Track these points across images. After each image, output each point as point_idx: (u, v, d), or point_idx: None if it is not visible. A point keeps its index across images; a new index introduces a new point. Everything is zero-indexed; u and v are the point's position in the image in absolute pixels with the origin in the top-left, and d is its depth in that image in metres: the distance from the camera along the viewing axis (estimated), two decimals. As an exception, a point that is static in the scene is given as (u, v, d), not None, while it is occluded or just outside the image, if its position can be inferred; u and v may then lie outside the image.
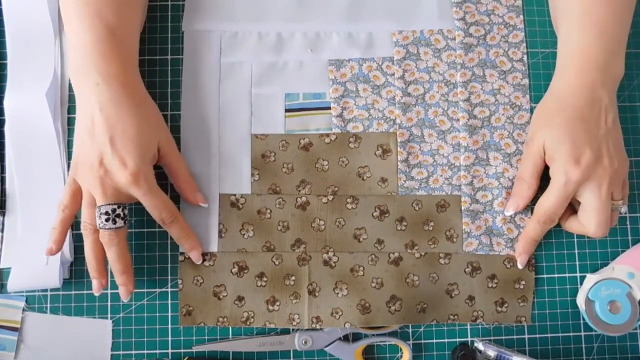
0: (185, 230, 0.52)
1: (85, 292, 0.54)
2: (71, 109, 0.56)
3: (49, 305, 0.54)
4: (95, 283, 0.51)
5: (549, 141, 0.52)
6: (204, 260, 0.54)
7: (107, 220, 0.49)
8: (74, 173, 0.51)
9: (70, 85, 0.56)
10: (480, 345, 0.53)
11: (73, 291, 0.54)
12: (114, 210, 0.49)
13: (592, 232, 0.52)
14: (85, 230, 0.50)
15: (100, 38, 0.49)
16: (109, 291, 0.54)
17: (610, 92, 0.52)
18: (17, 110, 0.54)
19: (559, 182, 0.51)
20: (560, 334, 0.55)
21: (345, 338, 0.54)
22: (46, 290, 0.54)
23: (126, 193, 0.50)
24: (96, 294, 0.51)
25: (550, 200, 0.51)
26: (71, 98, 0.56)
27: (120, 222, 0.50)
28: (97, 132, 0.49)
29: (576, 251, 0.56)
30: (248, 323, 0.54)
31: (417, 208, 0.56)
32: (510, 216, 0.56)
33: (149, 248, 0.55)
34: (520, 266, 0.55)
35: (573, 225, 0.54)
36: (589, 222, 0.51)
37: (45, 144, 0.54)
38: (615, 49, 0.52)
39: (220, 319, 0.54)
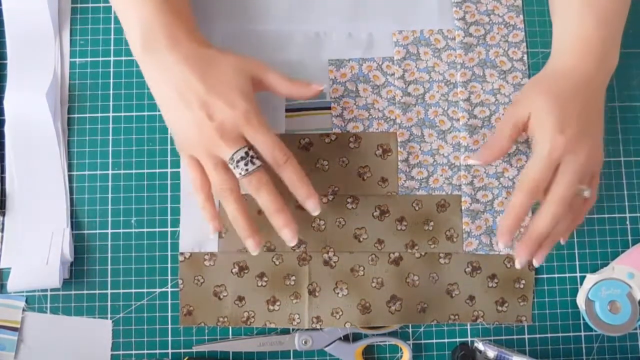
0: (300, 174, 0.49)
1: (85, 292, 0.54)
2: (71, 109, 0.56)
3: (49, 305, 0.54)
4: (251, 243, 0.49)
5: (535, 111, 0.50)
6: (204, 260, 0.54)
7: (246, 163, 0.47)
8: (186, 149, 0.50)
9: (70, 85, 0.56)
10: (480, 345, 0.53)
11: (73, 291, 0.54)
12: (247, 153, 0.47)
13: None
14: (224, 193, 0.48)
15: (161, 7, 0.49)
16: (109, 291, 0.54)
17: (602, 83, 0.52)
18: (17, 110, 0.54)
19: (543, 149, 0.49)
20: (560, 334, 0.55)
21: (345, 338, 0.54)
22: (46, 290, 0.54)
23: (243, 134, 0.48)
24: (255, 253, 0.49)
25: (535, 168, 0.49)
26: (71, 98, 0.56)
27: (258, 161, 0.48)
28: (189, 91, 0.48)
29: (576, 251, 0.56)
30: (248, 323, 0.54)
31: (417, 208, 0.56)
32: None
33: (149, 248, 0.55)
34: (519, 265, 0.51)
35: None
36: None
37: (45, 144, 0.54)
38: (612, 38, 0.52)
39: (221, 319, 0.54)
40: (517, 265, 0.50)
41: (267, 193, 0.48)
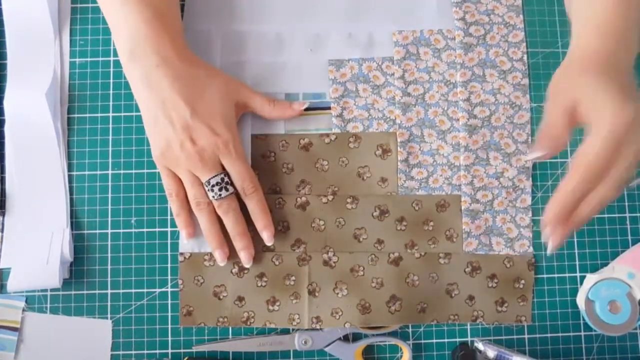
0: (262, 205, 0.53)
1: (85, 292, 0.54)
2: (71, 109, 0.56)
3: (49, 305, 0.54)
4: (219, 254, 0.53)
5: (586, 90, 0.44)
6: (204, 260, 0.54)
7: (220, 189, 0.50)
8: (164, 164, 0.51)
9: (70, 85, 0.56)
10: (480, 345, 0.53)
11: (73, 291, 0.54)
12: (222, 179, 0.51)
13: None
14: (199, 206, 0.52)
15: (150, 20, 0.49)
16: (108, 291, 0.54)
17: (629, 64, 0.47)
18: (17, 110, 0.54)
19: (604, 128, 0.42)
20: (560, 334, 0.55)
21: (345, 338, 0.54)
22: (46, 290, 0.54)
23: (221, 161, 0.51)
24: (222, 264, 0.53)
25: (596, 149, 0.42)
26: (71, 98, 0.56)
27: (231, 188, 0.51)
28: (174, 112, 0.49)
29: (576, 251, 0.56)
30: (248, 323, 0.54)
31: (417, 208, 0.56)
32: (511, 216, 0.56)
33: (149, 248, 0.55)
34: (550, 251, 0.46)
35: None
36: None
37: (45, 144, 0.54)
38: (634, 21, 0.48)
39: (221, 319, 0.54)
40: (549, 252, 0.46)
41: (234, 217, 0.52)
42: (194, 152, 0.50)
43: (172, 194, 0.52)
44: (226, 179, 0.51)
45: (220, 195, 0.51)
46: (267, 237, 0.53)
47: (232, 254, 0.53)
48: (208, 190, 0.51)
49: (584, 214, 0.45)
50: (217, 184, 0.50)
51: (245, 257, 0.53)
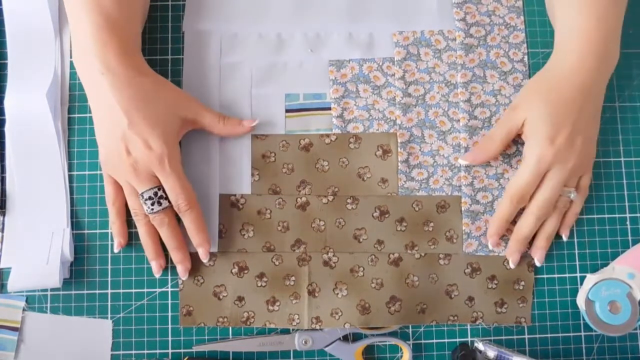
0: (198, 222, 0.52)
1: (85, 292, 0.54)
2: (71, 109, 0.56)
3: (49, 305, 0.54)
4: (154, 265, 0.53)
5: (530, 118, 0.52)
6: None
7: (152, 204, 0.50)
8: (106, 169, 0.52)
9: (70, 85, 0.56)
10: (480, 346, 0.53)
11: (73, 291, 0.54)
12: (156, 194, 0.50)
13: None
14: (136, 217, 0.52)
15: (99, 28, 0.49)
16: (109, 291, 0.54)
17: (602, 83, 0.53)
18: (17, 110, 0.54)
19: (531, 160, 0.51)
20: (560, 334, 0.55)
21: (345, 338, 0.54)
22: (46, 290, 0.54)
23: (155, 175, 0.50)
24: (157, 276, 0.53)
25: (523, 178, 0.52)
26: (71, 98, 0.56)
27: (165, 203, 0.51)
28: (114, 120, 0.49)
29: (576, 251, 0.56)
30: (248, 323, 0.54)
31: (417, 209, 0.56)
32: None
33: (149, 248, 0.55)
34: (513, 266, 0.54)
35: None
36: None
37: (45, 144, 0.54)
38: (612, 34, 0.52)
39: (221, 319, 0.54)
40: (511, 265, 0.55)
41: (168, 231, 0.52)
42: (128, 164, 0.49)
43: (110, 201, 0.53)
44: (160, 193, 0.51)
45: (152, 209, 0.50)
46: (202, 253, 0.53)
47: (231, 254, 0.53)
48: (142, 202, 0.51)
49: (524, 231, 0.53)
50: (149, 198, 0.50)
51: (180, 270, 0.53)
